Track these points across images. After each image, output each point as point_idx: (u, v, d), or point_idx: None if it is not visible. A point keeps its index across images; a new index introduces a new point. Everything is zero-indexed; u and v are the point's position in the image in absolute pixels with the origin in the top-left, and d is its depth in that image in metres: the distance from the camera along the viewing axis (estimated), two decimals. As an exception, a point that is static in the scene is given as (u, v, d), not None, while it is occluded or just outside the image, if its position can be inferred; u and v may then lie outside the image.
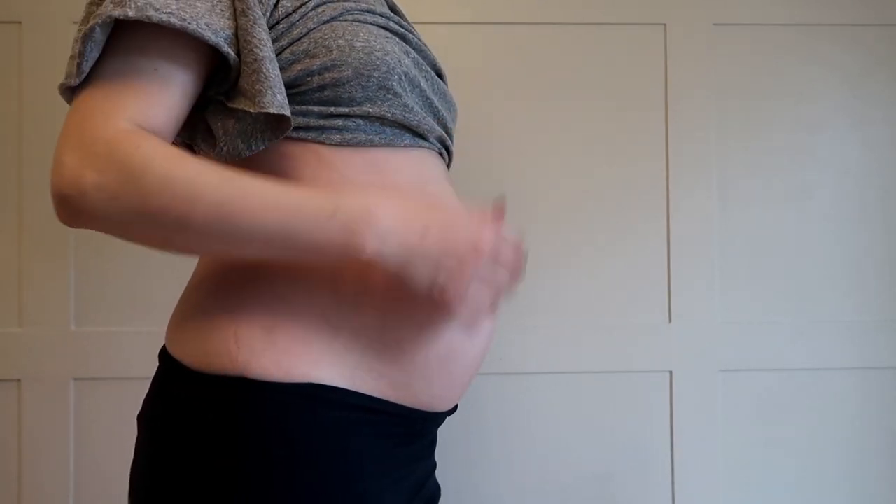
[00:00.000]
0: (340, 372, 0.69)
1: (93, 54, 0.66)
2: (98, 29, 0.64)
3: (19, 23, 1.45)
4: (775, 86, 1.52)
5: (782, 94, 1.52)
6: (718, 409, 1.49)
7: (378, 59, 0.73)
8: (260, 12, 0.70)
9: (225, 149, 0.72)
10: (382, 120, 0.76)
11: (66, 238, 1.45)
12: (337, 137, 0.74)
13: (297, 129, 0.74)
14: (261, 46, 0.68)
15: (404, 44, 0.80)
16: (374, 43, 0.73)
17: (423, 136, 0.80)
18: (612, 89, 1.50)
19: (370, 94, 0.74)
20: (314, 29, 0.73)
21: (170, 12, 0.64)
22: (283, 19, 0.73)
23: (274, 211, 0.62)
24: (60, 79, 0.69)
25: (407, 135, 0.78)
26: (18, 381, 1.44)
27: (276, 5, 0.73)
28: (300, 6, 0.74)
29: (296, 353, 0.68)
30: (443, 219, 0.66)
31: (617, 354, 1.47)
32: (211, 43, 0.66)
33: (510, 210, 1.46)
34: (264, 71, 0.67)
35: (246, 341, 0.68)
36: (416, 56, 0.81)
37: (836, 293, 1.51)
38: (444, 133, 0.84)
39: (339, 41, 0.72)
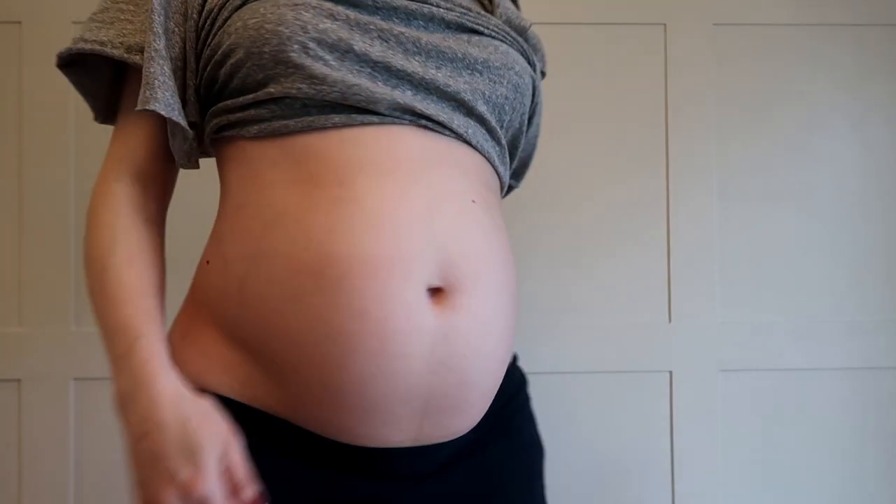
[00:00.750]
0: (230, 383, 0.67)
1: (89, 98, 0.78)
2: (66, 74, 0.75)
3: (19, 23, 1.45)
4: (775, 86, 1.52)
5: (782, 94, 1.52)
6: (718, 409, 1.49)
7: (268, 31, 0.65)
8: (161, 9, 0.70)
9: (179, 162, 0.76)
10: (296, 99, 0.67)
11: (66, 238, 1.45)
12: (254, 129, 0.69)
13: (224, 127, 0.71)
14: (147, 46, 0.69)
15: (335, 5, 0.68)
16: (268, 16, 0.66)
17: (365, 110, 0.67)
18: (612, 89, 1.50)
19: (269, 72, 0.66)
20: (228, 18, 0.69)
21: (83, 39, 0.72)
22: (209, 16, 0.70)
23: (101, 315, 0.68)
24: (60, 79, 0.70)
25: (337, 112, 0.67)
26: (18, 381, 1.44)
27: (204, 2, 0.71)
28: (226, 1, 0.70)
29: (191, 360, 0.69)
30: (154, 448, 0.60)
31: (617, 354, 1.47)
32: (107, 55, 0.71)
33: (511, 210, 1.46)
34: (145, 69, 0.68)
35: (169, 345, 0.69)
36: (362, 15, 0.69)
37: (836, 293, 1.51)
38: (419, 101, 0.69)
39: (237, 24, 0.67)
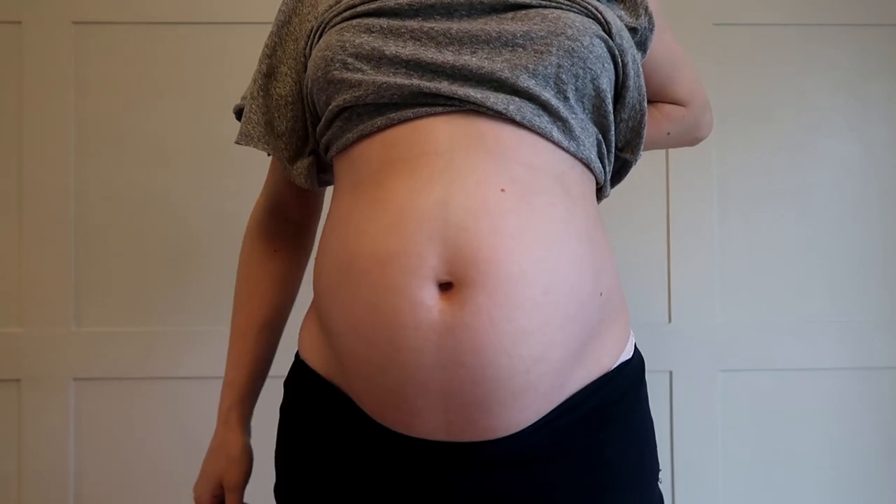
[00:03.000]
0: (319, 361, 0.77)
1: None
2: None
3: (19, 23, 1.45)
4: (775, 86, 1.52)
5: (782, 94, 1.52)
6: (718, 408, 1.49)
7: (320, 57, 0.74)
8: (265, 58, 0.83)
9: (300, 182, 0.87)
10: (348, 110, 0.73)
11: (66, 238, 1.45)
12: (334, 148, 0.77)
13: (325, 150, 0.80)
14: (248, 91, 0.85)
15: (376, 19, 0.73)
16: (321, 45, 0.76)
17: (401, 106, 0.71)
18: (612, 89, 1.50)
19: (326, 92, 0.74)
20: (310, 56, 0.79)
21: (243, 96, 0.87)
22: (306, 58, 0.80)
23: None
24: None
25: (381, 114, 0.72)
26: (18, 381, 1.44)
27: (306, 41, 0.80)
28: (309, 36, 0.80)
29: (303, 337, 0.82)
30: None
31: (617, 354, 1.47)
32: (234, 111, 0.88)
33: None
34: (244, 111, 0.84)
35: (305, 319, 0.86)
36: (398, 21, 0.73)
37: (835, 293, 1.51)
38: (452, 87, 0.70)
39: (312, 58, 0.77)
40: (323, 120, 0.77)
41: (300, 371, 0.79)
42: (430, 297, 0.65)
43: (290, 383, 0.81)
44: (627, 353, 0.79)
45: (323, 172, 0.86)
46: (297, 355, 0.81)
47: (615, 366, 0.76)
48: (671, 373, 1.48)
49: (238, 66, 1.48)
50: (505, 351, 0.65)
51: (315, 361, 0.77)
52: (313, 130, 0.82)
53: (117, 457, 1.46)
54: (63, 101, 1.45)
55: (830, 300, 1.51)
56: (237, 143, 0.83)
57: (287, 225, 0.91)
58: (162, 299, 1.47)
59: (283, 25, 0.85)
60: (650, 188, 1.49)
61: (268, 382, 0.91)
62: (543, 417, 0.70)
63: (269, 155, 0.86)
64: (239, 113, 0.89)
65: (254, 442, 0.90)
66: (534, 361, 0.66)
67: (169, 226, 1.47)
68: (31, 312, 1.45)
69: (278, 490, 0.81)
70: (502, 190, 0.67)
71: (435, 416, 0.67)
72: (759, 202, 1.51)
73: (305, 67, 0.80)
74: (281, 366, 0.87)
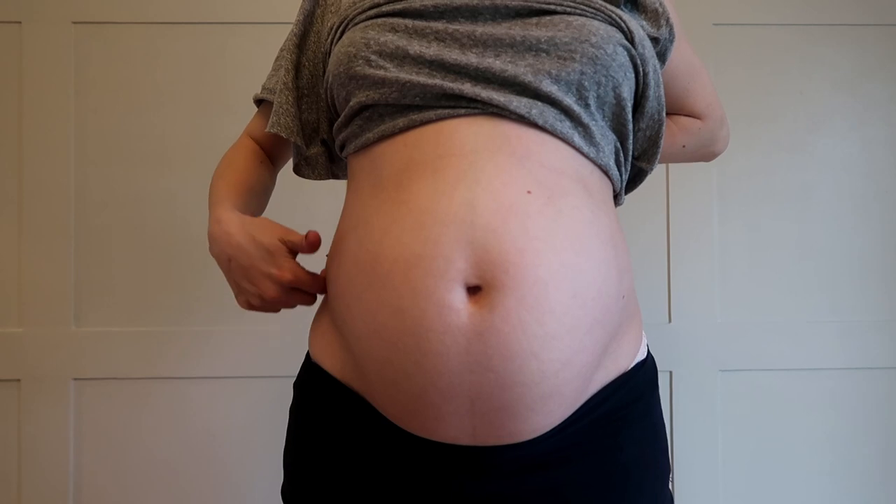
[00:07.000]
0: (334, 364, 0.75)
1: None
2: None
3: (19, 23, 1.45)
4: (775, 86, 1.52)
5: (782, 94, 1.52)
6: (718, 408, 1.49)
7: (343, 53, 0.74)
8: (294, 48, 0.85)
9: (294, 167, 0.89)
10: (370, 108, 0.73)
11: (66, 238, 1.45)
12: (352, 146, 0.76)
13: (341, 147, 0.80)
14: (279, 80, 0.85)
15: (401, 19, 0.74)
16: (345, 41, 0.76)
17: (423, 107, 0.71)
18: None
19: (347, 87, 0.74)
20: (331, 52, 0.80)
21: (263, 87, 0.91)
22: (327, 54, 0.80)
23: (209, 207, 0.84)
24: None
25: (403, 114, 0.72)
26: (18, 381, 1.44)
27: (328, 36, 0.81)
28: (328, 32, 0.81)
29: (314, 340, 0.80)
30: (246, 257, 0.75)
31: (617, 354, 1.47)
32: (254, 99, 0.91)
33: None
34: (275, 100, 0.84)
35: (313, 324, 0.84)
36: (423, 22, 0.74)
37: (835, 293, 1.51)
38: (475, 89, 0.70)
39: (334, 54, 0.77)
40: (342, 117, 0.77)
41: (313, 373, 0.77)
42: (458, 300, 0.64)
43: (301, 385, 0.80)
44: (642, 354, 0.80)
45: (331, 164, 0.87)
46: (307, 357, 0.80)
47: (631, 366, 0.76)
48: (671, 373, 1.48)
49: (238, 66, 1.48)
50: (535, 355, 0.64)
51: (329, 364, 0.75)
52: (329, 125, 0.83)
53: (117, 457, 1.46)
54: (63, 101, 1.45)
55: (830, 300, 1.51)
56: (269, 130, 0.84)
57: (265, 156, 0.93)
58: (162, 299, 1.47)
59: (309, 15, 0.87)
60: (650, 188, 1.49)
61: (278, 383, 0.90)
62: (565, 420, 0.69)
63: (301, 151, 0.87)
64: (259, 100, 0.91)
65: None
66: (562, 365, 0.66)
67: (169, 226, 1.47)
68: (31, 312, 1.45)
69: (286, 491, 0.80)
70: (528, 192, 0.67)
71: (460, 420, 0.66)
72: (759, 202, 1.51)
73: (324, 62, 0.81)
74: (290, 366, 0.86)
